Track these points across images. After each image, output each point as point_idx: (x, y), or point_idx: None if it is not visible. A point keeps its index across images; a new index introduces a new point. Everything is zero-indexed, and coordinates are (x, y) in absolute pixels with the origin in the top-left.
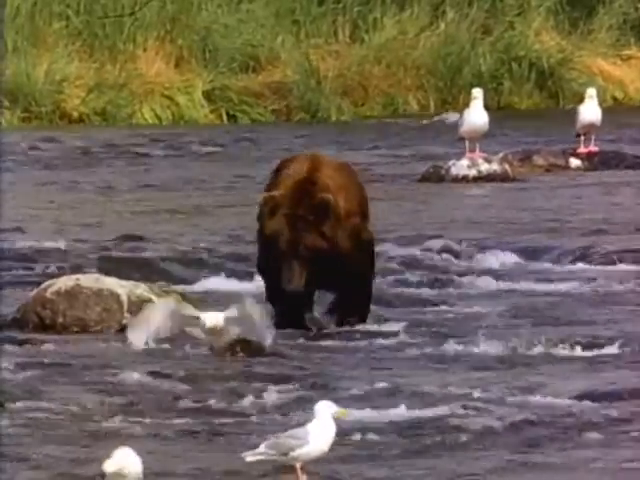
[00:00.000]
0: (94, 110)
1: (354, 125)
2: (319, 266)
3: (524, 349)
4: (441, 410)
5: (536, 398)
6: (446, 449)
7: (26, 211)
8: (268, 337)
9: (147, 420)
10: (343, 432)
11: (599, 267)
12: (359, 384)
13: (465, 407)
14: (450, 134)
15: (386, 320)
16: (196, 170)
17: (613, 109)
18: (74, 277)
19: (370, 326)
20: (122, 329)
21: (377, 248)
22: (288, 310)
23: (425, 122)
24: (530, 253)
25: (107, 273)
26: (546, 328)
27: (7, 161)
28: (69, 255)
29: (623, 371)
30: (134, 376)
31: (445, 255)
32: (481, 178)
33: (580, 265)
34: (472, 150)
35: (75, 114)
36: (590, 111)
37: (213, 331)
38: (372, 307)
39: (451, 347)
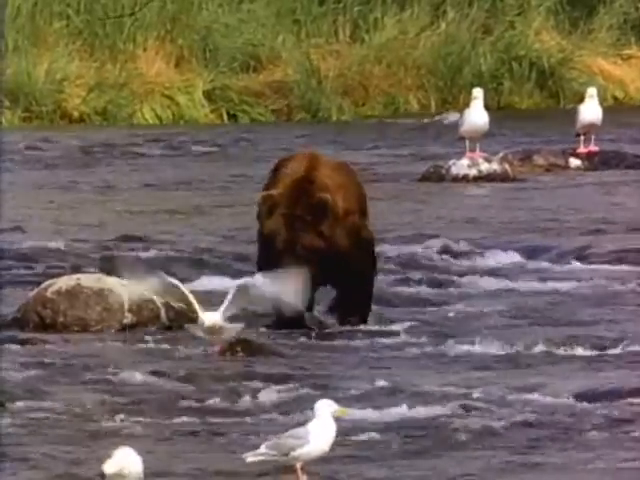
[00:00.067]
0: (94, 110)
1: (355, 125)
2: (318, 265)
3: (524, 349)
4: (441, 410)
5: (536, 398)
6: (446, 449)
7: (26, 211)
8: (299, 303)
9: (147, 420)
10: (343, 432)
11: (599, 267)
12: (359, 384)
13: (465, 407)
14: (450, 134)
15: (386, 320)
16: (196, 170)
17: (613, 109)
18: (75, 277)
19: (370, 326)
20: (123, 329)
21: (377, 248)
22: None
23: (426, 121)
24: (530, 253)
25: (108, 273)
26: (546, 328)
27: (7, 161)
28: (69, 255)
29: (623, 371)
30: (134, 376)
31: (445, 255)
32: (481, 178)
33: (580, 265)
34: (472, 150)
35: (75, 114)
36: (590, 111)
37: (212, 330)
38: (372, 307)
39: (451, 347)
